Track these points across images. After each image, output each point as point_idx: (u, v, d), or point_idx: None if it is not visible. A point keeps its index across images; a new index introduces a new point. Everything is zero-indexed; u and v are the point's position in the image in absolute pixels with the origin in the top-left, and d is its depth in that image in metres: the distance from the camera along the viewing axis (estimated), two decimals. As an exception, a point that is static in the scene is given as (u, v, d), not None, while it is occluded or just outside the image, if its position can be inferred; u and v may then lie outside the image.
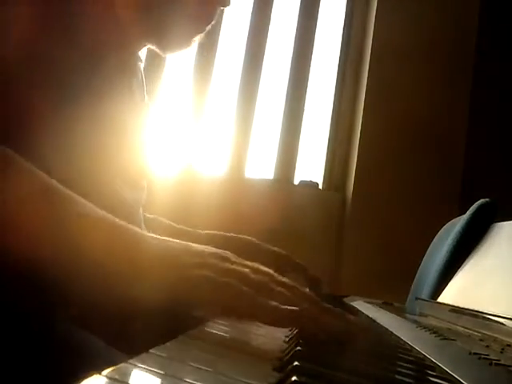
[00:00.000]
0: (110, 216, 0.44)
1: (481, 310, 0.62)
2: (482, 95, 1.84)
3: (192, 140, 1.84)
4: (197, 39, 0.70)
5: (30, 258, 0.41)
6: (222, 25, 1.91)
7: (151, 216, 0.80)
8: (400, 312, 0.84)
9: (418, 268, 1.33)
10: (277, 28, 1.96)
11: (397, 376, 0.32)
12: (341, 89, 1.97)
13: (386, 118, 1.83)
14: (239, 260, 0.44)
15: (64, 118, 0.53)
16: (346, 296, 1.11)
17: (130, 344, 0.42)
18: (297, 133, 1.91)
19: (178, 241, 0.44)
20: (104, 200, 0.45)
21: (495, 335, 0.56)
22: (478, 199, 1.12)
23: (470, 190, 1.75)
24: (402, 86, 1.83)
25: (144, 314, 0.53)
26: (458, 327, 0.64)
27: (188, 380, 0.25)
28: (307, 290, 0.48)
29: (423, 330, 0.55)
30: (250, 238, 0.85)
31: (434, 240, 1.32)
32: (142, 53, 0.73)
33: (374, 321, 0.69)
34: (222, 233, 0.86)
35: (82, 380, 0.22)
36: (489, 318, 0.60)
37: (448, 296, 0.86)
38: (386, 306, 0.94)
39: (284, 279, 0.46)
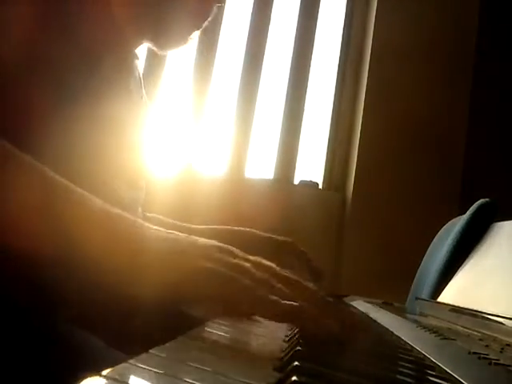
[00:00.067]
0: (113, 209, 0.44)
1: (480, 310, 0.62)
2: (482, 95, 1.84)
3: (192, 140, 1.84)
4: (193, 36, 0.70)
5: (30, 253, 0.40)
6: (222, 25, 1.91)
7: (151, 215, 0.80)
8: (400, 312, 0.84)
9: (417, 268, 1.33)
10: (277, 28, 1.96)
11: (397, 376, 0.32)
12: (341, 89, 1.97)
13: (385, 118, 1.83)
14: (242, 254, 0.44)
15: (62, 117, 0.53)
16: (346, 296, 1.11)
17: (130, 344, 0.42)
18: (297, 133, 1.91)
19: (182, 234, 0.44)
20: (102, 200, 0.45)
21: (495, 335, 0.56)
22: (478, 199, 1.12)
23: (470, 190, 1.75)
24: (401, 85, 1.83)
25: (146, 309, 0.53)
26: (457, 327, 0.64)
27: (188, 380, 0.25)
28: (310, 284, 0.48)
29: (423, 330, 0.55)
30: (253, 230, 0.85)
31: (434, 240, 1.32)
32: (139, 51, 0.73)
33: (375, 321, 0.69)
34: (225, 227, 0.85)
35: (82, 380, 0.22)
36: (488, 318, 0.60)
37: (448, 296, 0.86)
38: (386, 305, 0.94)
39: (286, 273, 0.46)
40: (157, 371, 0.26)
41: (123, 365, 0.26)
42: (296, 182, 1.91)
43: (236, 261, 0.42)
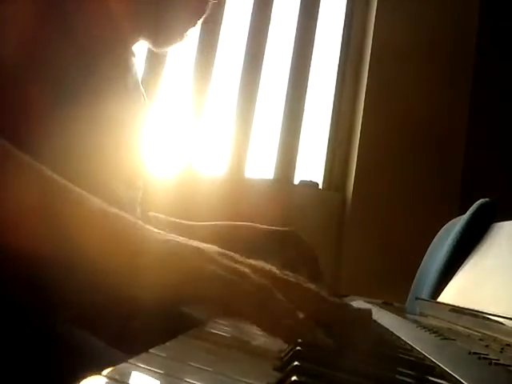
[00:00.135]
0: (112, 209, 0.43)
1: (481, 310, 0.62)
2: (482, 95, 1.84)
3: (192, 140, 1.84)
4: (189, 33, 0.70)
5: (29, 253, 0.40)
6: (222, 25, 1.91)
7: (150, 214, 0.80)
8: (400, 312, 0.84)
9: (418, 268, 1.33)
10: (277, 28, 1.96)
11: (397, 376, 0.32)
12: (341, 89, 1.97)
13: (386, 118, 1.83)
14: (242, 259, 0.44)
15: (61, 116, 0.53)
16: (346, 296, 1.11)
17: (130, 344, 0.42)
18: (297, 133, 1.91)
19: (182, 238, 0.44)
20: (101, 199, 0.45)
21: (495, 335, 0.56)
22: (478, 199, 1.12)
23: (470, 190, 1.75)
24: (401, 86, 1.83)
25: (145, 309, 0.53)
26: (458, 327, 0.64)
27: (188, 380, 0.25)
28: (311, 285, 0.48)
29: (423, 330, 0.55)
30: (255, 224, 0.85)
31: (434, 240, 1.32)
32: (139, 49, 0.73)
33: (375, 321, 0.69)
34: (227, 222, 0.85)
35: (82, 380, 0.22)
36: (488, 318, 0.60)
37: (448, 296, 0.86)
38: (386, 305, 0.94)
39: (287, 277, 0.45)
40: (157, 371, 0.26)
41: (123, 365, 0.26)
42: (296, 182, 1.91)
43: (236, 265, 0.42)
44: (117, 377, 0.23)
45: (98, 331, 0.49)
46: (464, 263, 0.88)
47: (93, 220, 0.42)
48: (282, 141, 1.90)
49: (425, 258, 1.33)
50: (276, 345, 0.40)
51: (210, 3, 0.70)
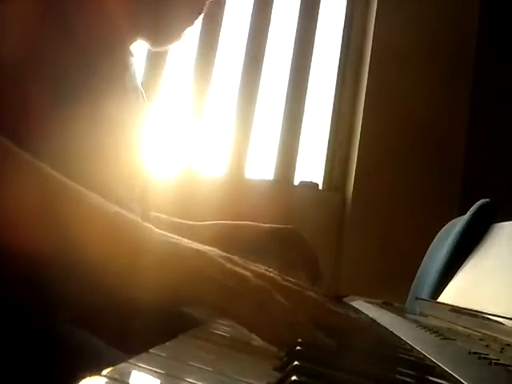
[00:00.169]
0: (113, 207, 0.43)
1: (481, 310, 0.62)
2: (482, 96, 1.84)
3: (192, 140, 1.84)
4: (187, 32, 0.70)
5: (28, 251, 0.40)
6: (222, 25, 1.91)
7: (152, 214, 0.80)
8: (400, 312, 0.84)
9: (418, 268, 1.33)
10: (277, 29, 1.96)
11: (397, 376, 0.32)
12: (341, 90, 1.97)
13: (386, 119, 1.83)
14: (243, 262, 0.44)
15: (61, 116, 0.53)
16: (346, 296, 1.11)
17: (130, 344, 0.42)
18: (297, 133, 1.91)
19: (184, 239, 0.44)
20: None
21: (495, 335, 0.56)
22: (478, 199, 1.12)
23: (470, 190, 1.75)
24: (401, 87, 1.83)
25: (145, 310, 0.53)
26: (458, 327, 0.64)
27: (188, 380, 0.25)
28: (311, 292, 0.48)
29: (423, 330, 0.55)
30: (256, 224, 0.84)
31: (434, 240, 1.32)
32: (138, 49, 0.73)
33: (375, 321, 0.69)
34: (228, 222, 0.85)
35: (82, 380, 0.22)
36: (488, 318, 0.60)
37: (448, 296, 0.86)
38: (386, 305, 0.94)
39: (287, 283, 0.45)
40: (157, 371, 0.26)
41: (123, 365, 0.26)
42: (296, 182, 1.91)
43: (236, 269, 0.41)
44: (117, 377, 0.23)
45: (98, 331, 0.49)
46: (464, 263, 0.88)
47: (93, 218, 0.42)
48: (282, 141, 1.90)
49: (425, 258, 1.33)
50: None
51: (208, 2, 0.70)
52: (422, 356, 0.42)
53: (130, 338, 0.51)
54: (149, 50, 1.84)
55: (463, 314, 0.66)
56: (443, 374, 0.35)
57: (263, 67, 1.92)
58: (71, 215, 0.41)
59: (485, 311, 0.61)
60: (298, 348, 0.34)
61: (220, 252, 0.43)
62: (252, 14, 1.93)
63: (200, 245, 0.43)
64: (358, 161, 1.83)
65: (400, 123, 1.83)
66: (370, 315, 0.75)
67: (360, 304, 0.95)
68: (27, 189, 0.40)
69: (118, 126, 0.62)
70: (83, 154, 0.55)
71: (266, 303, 0.40)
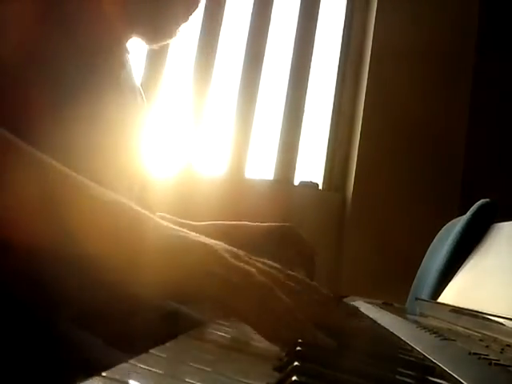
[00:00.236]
0: (118, 198, 0.43)
1: (481, 310, 0.62)
2: (482, 96, 1.84)
3: (192, 140, 1.84)
4: (181, 29, 0.70)
5: (30, 244, 0.40)
6: (223, 25, 1.91)
7: (157, 214, 0.80)
8: (400, 312, 0.84)
9: (418, 268, 1.33)
10: (277, 28, 1.96)
11: (397, 376, 0.32)
12: (341, 89, 1.97)
13: (385, 119, 1.83)
14: (248, 257, 0.44)
15: (61, 115, 0.53)
16: (346, 296, 1.11)
17: (130, 344, 0.42)
18: (297, 133, 1.91)
19: (192, 233, 0.43)
20: None
21: (495, 335, 0.56)
22: (478, 199, 1.12)
23: (470, 190, 1.75)
24: (401, 86, 1.83)
25: (146, 304, 0.53)
26: (458, 327, 0.64)
27: (188, 380, 0.25)
28: (318, 288, 0.48)
29: (423, 331, 0.55)
30: (255, 224, 0.84)
31: (434, 240, 1.32)
32: (137, 47, 0.73)
33: (375, 321, 0.69)
34: (227, 222, 0.85)
35: (81, 380, 0.22)
36: (489, 318, 0.60)
37: (448, 296, 0.86)
38: (386, 306, 0.94)
39: (290, 280, 0.45)
40: (157, 371, 0.26)
41: (123, 365, 0.26)
42: (296, 182, 1.91)
43: (239, 264, 0.41)
44: (117, 377, 0.23)
45: (98, 331, 0.49)
46: (464, 263, 0.88)
47: (94, 208, 0.41)
48: (282, 141, 1.90)
49: (425, 258, 1.33)
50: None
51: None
52: (422, 356, 0.42)
53: (130, 338, 0.51)
54: (149, 50, 1.84)
55: (463, 314, 0.66)
56: (443, 375, 0.35)
57: (263, 67, 1.92)
58: (71, 205, 0.41)
59: (485, 311, 0.61)
60: (298, 348, 0.34)
61: (226, 246, 0.43)
62: (252, 14, 1.93)
63: (207, 238, 0.43)
64: (357, 160, 1.83)
65: (400, 123, 1.83)
66: (371, 315, 0.75)
67: (360, 304, 0.95)
68: (29, 180, 0.40)
69: (117, 126, 0.62)
70: (82, 154, 0.55)
71: (267, 300, 0.40)
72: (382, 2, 1.89)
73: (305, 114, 1.93)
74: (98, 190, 0.43)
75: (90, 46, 0.61)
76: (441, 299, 0.87)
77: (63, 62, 0.55)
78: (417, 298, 0.99)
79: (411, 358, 0.40)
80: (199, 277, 0.40)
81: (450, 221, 1.29)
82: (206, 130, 1.86)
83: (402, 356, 0.40)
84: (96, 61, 0.61)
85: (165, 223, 0.43)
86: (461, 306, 0.70)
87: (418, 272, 1.32)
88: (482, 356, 0.40)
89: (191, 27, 1.87)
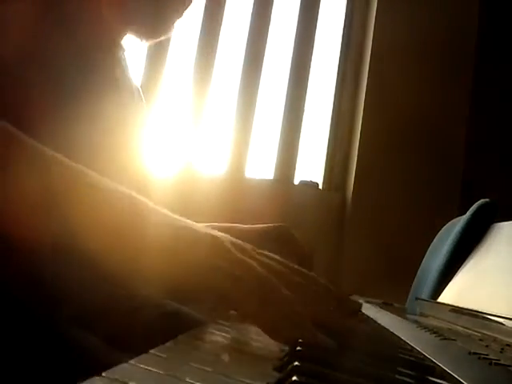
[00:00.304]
0: (122, 189, 0.42)
1: (481, 310, 0.62)
2: (482, 95, 1.84)
3: (192, 139, 1.84)
4: (176, 24, 0.70)
5: (32, 237, 0.39)
6: (222, 25, 1.91)
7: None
8: (400, 312, 0.84)
9: (418, 268, 1.33)
10: (277, 28, 1.96)
11: (397, 376, 0.32)
12: (341, 89, 1.97)
13: (386, 118, 1.83)
14: (254, 250, 0.44)
15: (61, 117, 0.53)
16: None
17: (130, 344, 0.42)
18: (297, 133, 1.91)
19: (198, 224, 0.43)
20: None
21: (495, 335, 0.56)
22: (478, 199, 1.12)
23: (470, 190, 1.75)
24: (401, 86, 1.83)
25: (146, 307, 0.53)
26: (458, 327, 0.64)
27: (188, 380, 0.25)
28: (322, 281, 0.48)
29: (423, 330, 0.55)
30: (244, 226, 0.84)
31: (434, 240, 1.32)
32: (125, 42, 0.73)
33: (375, 321, 0.69)
34: (219, 224, 0.85)
35: (82, 380, 0.22)
36: (488, 318, 0.60)
37: (448, 296, 0.86)
38: (386, 306, 0.94)
39: (295, 275, 0.45)
40: (157, 371, 0.26)
41: (123, 365, 0.26)
42: (296, 182, 1.91)
43: (243, 257, 0.41)
44: (117, 377, 0.23)
45: (98, 331, 0.49)
46: (464, 263, 0.88)
47: (96, 197, 0.41)
48: (282, 141, 1.90)
49: (425, 258, 1.33)
50: (276, 345, 0.40)
51: None
52: (422, 356, 0.42)
53: (130, 337, 0.51)
54: (149, 49, 1.84)
55: (463, 314, 0.66)
56: (443, 375, 0.35)
57: (263, 66, 1.92)
58: (72, 196, 0.40)
59: (485, 311, 0.61)
60: (299, 348, 0.34)
61: (232, 238, 0.43)
62: (252, 13, 1.93)
63: (213, 230, 0.43)
64: (358, 160, 1.83)
65: (400, 123, 1.83)
66: (371, 315, 0.75)
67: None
68: (31, 173, 0.40)
69: (117, 125, 0.62)
70: (82, 153, 0.55)
71: (269, 293, 0.40)
72: (381, 2, 1.89)
73: (305, 113, 1.93)
74: (99, 180, 0.42)
75: (89, 46, 0.61)
76: (441, 299, 0.87)
77: (63, 62, 0.55)
78: (417, 298, 0.99)
79: (411, 358, 0.40)
80: (202, 268, 0.39)
81: (449, 221, 1.29)
82: (205, 130, 1.86)
83: (401, 356, 0.40)
84: (95, 60, 0.61)
85: (169, 213, 0.43)
86: (461, 305, 0.70)
87: (418, 272, 1.32)
88: (482, 356, 0.40)
89: (191, 27, 1.87)
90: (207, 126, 1.87)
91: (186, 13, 0.71)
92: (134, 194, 0.43)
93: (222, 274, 0.39)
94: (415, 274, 1.32)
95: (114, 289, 0.54)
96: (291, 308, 0.40)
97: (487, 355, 0.41)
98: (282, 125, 1.91)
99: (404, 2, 1.89)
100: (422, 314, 0.85)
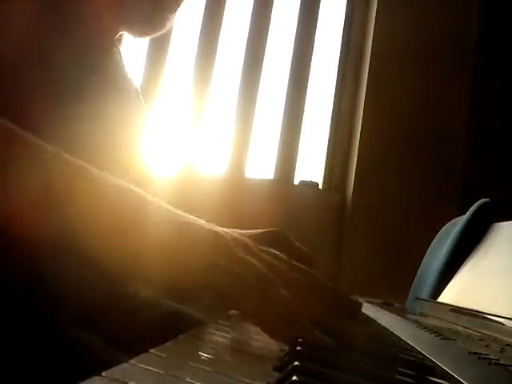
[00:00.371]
0: (126, 185, 0.42)
1: (481, 310, 0.62)
2: (482, 95, 1.84)
3: (192, 139, 1.84)
4: (170, 21, 0.70)
5: (34, 238, 0.39)
6: (222, 24, 1.91)
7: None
8: (400, 312, 0.84)
9: (418, 268, 1.33)
10: (277, 28, 1.96)
11: (397, 376, 0.32)
12: (341, 89, 1.97)
13: (386, 118, 1.83)
14: (256, 248, 0.44)
15: (63, 117, 0.53)
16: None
17: (130, 344, 0.42)
18: (297, 133, 1.91)
19: (201, 220, 0.43)
20: None
21: (495, 335, 0.56)
22: (478, 199, 1.12)
23: (470, 190, 1.75)
24: (402, 86, 1.83)
25: (146, 307, 0.53)
26: (458, 327, 0.64)
27: (188, 380, 0.25)
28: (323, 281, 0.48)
29: (423, 330, 0.55)
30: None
31: (434, 240, 1.32)
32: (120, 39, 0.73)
33: (375, 321, 0.69)
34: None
35: (82, 380, 0.22)
36: (489, 318, 0.60)
37: (448, 296, 0.86)
38: (386, 306, 0.94)
39: (296, 273, 0.45)
40: (157, 371, 0.26)
41: (123, 365, 0.26)
42: (296, 182, 1.91)
43: (246, 256, 0.41)
44: (117, 377, 0.23)
45: (98, 330, 0.49)
46: (464, 263, 0.88)
47: (97, 191, 0.41)
48: (282, 141, 1.90)
49: (425, 257, 1.33)
50: (276, 345, 0.40)
51: None
52: (422, 356, 0.42)
53: (130, 337, 0.51)
54: (149, 48, 1.84)
55: (463, 314, 0.66)
56: (443, 374, 0.35)
57: (263, 66, 1.92)
58: (73, 192, 0.40)
59: (485, 311, 0.61)
60: (299, 348, 0.34)
61: (235, 234, 0.43)
62: (252, 13, 1.93)
63: (216, 226, 0.43)
64: (358, 160, 1.83)
65: (400, 123, 1.83)
66: (371, 315, 0.75)
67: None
68: (31, 170, 0.40)
69: (118, 125, 0.62)
70: (83, 153, 0.55)
71: (268, 291, 0.40)
72: (381, 2, 1.89)
73: (305, 113, 1.93)
74: (101, 175, 0.42)
75: (88, 46, 0.61)
76: (441, 299, 0.87)
77: (64, 62, 0.55)
78: (417, 298, 0.99)
79: (411, 358, 0.40)
80: (202, 265, 0.39)
81: (450, 221, 1.29)
82: (206, 130, 1.86)
83: (401, 356, 0.40)
84: (95, 60, 0.61)
85: (172, 209, 0.43)
86: (461, 305, 0.70)
87: (418, 272, 1.32)
88: (482, 356, 0.40)
89: (191, 27, 1.87)
90: (207, 126, 1.87)
91: (182, 8, 0.71)
92: (136, 189, 0.43)
93: (221, 271, 0.39)
94: (415, 274, 1.32)
95: (115, 288, 0.54)
96: (290, 307, 0.40)
97: (487, 355, 0.41)
98: (282, 125, 1.91)
99: (404, 2, 1.89)
100: (421, 314, 0.85)
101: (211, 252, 0.40)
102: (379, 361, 0.36)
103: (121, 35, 0.71)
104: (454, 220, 1.26)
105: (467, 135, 1.83)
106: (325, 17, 2.00)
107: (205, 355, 0.33)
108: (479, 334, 0.58)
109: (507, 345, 0.49)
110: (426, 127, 1.83)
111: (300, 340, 0.36)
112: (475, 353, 0.41)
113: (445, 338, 0.49)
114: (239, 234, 0.84)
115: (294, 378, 0.26)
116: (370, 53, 1.87)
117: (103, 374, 0.23)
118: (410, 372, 0.34)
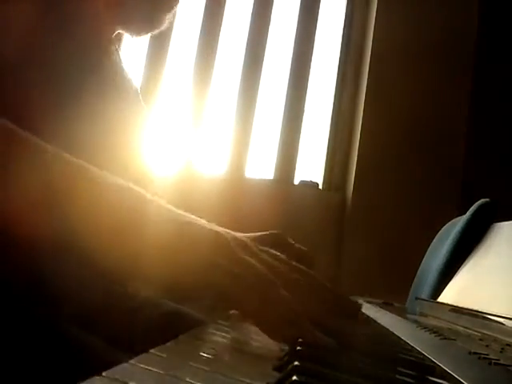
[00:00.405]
0: (127, 184, 0.42)
1: (481, 310, 0.62)
2: (482, 95, 1.84)
3: (192, 139, 1.84)
4: (167, 19, 0.70)
5: (34, 238, 0.39)
6: (223, 24, 1.91)
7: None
8: (400, 312, 0.84)
9: (418, 268, 1.33)
10: (277, 28, 1.96)
11: (397, 376, 0.32)
12: (341, 89, 1.97)
13: (386, 118, 1.83)
14: (256, 248, 0.44)
15: (63, 117, 0.53)
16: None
17: (130, 344, 0.42)
18: (297, 133, 1.91)
19: (202, 220, 0.43)
20: None
21: (495, 335, 0.56)
22: (478, 199, 1.12)
23: (470, 190, 1.75)
24: (402, 86, 1.84)
25: (146, 307, 0.53)
26: (458, 327, 0.64)
27: (188, 380, 0.25)
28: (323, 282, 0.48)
29: (423, 330, 0.55)
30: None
31: (434, 240, 1.32)
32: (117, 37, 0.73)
33: (375, 321, 0.69)
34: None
35: (82, 380, 0.22)
36: (489, 318, 0.60)
37: (448, 296, 0.86)
38: (386, 305, 0.94)
39: (296, 274, 0.45)
40: (157, 371, 0.26)
41: (123, 365, 0.26)
42: (296, 182, 1.91)
43: (245, 257, 0.41)
44: (117, 377, 0.23)
45: (98, 331, 0.49)
46: (464, 263, 0.88)
47: (97, 190, 0.41)
48: (282, 141, 1.90)
49: (425, 257, 1.33)
50: (276, 345, 0.40)
51: None
52: (422, 356, 0.42)
53: (131, 337, 0.51)
54: (149, 48, 1.84)
55: (463, 314, 0.66)
56: (443, 374, 0.35)
57: (263, 66, 1.92)
58: (73, 191, 0.40)
59: (485, 311, 0.61)
60: (298, 348, 0.34)
61: (236, 235, 0.43)
62: (252, 13, 1.93)
63: (217, 226, 0.43)
64: (358, 160, 1.83)
65: (400, 123, 1.83)
66: (371, 315, 0.75)
67: (360, 304, 0.94)
68: (31, 170, 0.39)
69: (118, 125, 0.62)
70: (84, 153, 0.55)
71: (267, 292, 0.40)
72: (381, 2, 1.89)
73: (305, 113, 1.93)
74: (101, 175, 0.42)
75: (88, 46, 0.61)
76: (441, 299, 0.87)
77: (63, 62, 0.55)
78: (417, 298, 0.99)
79: (411, 358, 0.40)
80: (202, 265, 0.39)
81: (449, 221, 1.29)
82: (206, 130, 1.86)
83: (401, 356, 0.40)
84: (94, 60, 0.61)
85: (173, 208, 0.43)
86: (461, 305, 0.70)
87: (418, 272, 1.32)
88: (482, 355, 0.40)
89: (191, 27, 1.87)
90: (207, 126, 1.87)
91: (180, 6, 0.71)
92: (137, 188, 0.43)
93: (222, 271, 0.39)
94: (415, 274, 1.32)
95: (115, 288, 0.54)
96: (290, 307, 0.40)
97: (487, 355, 0.41)
98: (282, 125, 1.91)
99: (404, 2, 1.89)
100: (421, 314, 0.85)
101: (212, 252, 0.40)
102: (379, 361, 0.36)
103: (119, 34, 0.71)
104: (454, 220, 1.26)
105: (467, 135, 1.83)
106: (325, 17, 2.00)
107: (205, 355, 0.33)
108: (479, 334, 0.58)
109: (507, 345, 0.49)
110: (426, 127, 1.83)
111: (300, 340, 0.36)
112: (475, 353, 0.41)
113: (445, 338, 0.49)
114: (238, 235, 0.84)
115: (294, 377, 0.26)
116: (370, 53, 1.87)
117: (103, 374, 0.23)
118: (410, 372, 0.34)
